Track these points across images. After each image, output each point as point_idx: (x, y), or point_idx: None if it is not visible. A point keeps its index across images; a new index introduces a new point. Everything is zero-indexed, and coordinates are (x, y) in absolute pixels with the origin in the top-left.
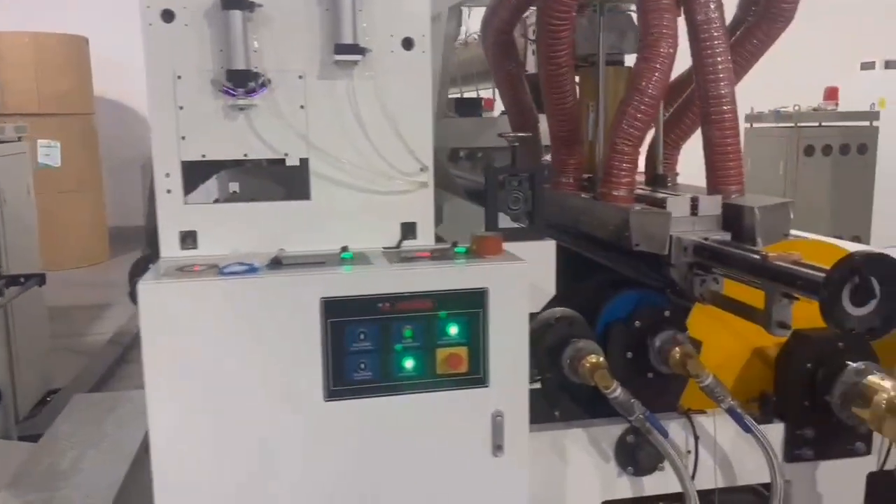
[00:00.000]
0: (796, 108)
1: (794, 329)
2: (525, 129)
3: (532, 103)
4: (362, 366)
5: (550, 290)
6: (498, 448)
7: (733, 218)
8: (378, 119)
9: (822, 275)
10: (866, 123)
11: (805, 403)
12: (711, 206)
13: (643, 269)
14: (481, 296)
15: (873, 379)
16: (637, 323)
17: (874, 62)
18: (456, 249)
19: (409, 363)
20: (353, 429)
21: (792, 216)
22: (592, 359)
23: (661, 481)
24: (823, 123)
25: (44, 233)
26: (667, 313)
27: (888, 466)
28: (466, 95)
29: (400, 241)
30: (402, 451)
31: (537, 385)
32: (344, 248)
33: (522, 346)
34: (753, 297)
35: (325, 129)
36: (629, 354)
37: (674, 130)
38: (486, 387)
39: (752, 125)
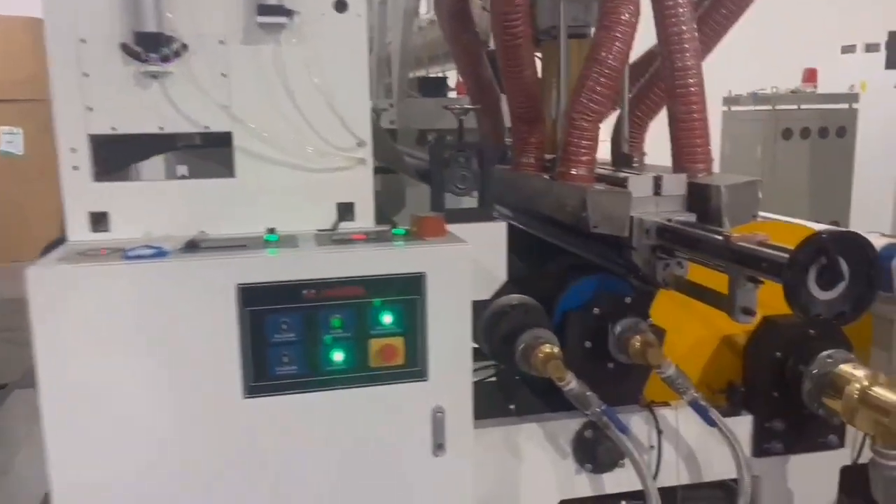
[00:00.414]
0: (774, 90)
1: (763, 316)
2: (487, 107)
3: (493, 79)
4: (285, 359)
5: (501, 275)
6: (439, 447)
7: (699, 198)
8: (309, 89)
9: (787, 256)
10: (845, 106)
11: (774, 394)
12: (675, 185)
13: (605, 254)
14: (418, 281)
15: (845, 368)
16: (596, 310)
17: (855, 45)
18: (394, 231)
19: (338, 355)
20: (276, 429)
21: (760, 196)
22: (546, 348)
23: (622, 479)
24: (802, 106)
25: (6, 223)
26: (628, 300)
27: (863, 460)
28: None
29: (336, 223)
30: (333, 453)
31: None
32: (270, 230)
33: (464, 336)
34: (720, 282)
35: (251, 99)
36: (588, 344)
37: (640, 108)
38: (425, 380)
39: (729, 108)
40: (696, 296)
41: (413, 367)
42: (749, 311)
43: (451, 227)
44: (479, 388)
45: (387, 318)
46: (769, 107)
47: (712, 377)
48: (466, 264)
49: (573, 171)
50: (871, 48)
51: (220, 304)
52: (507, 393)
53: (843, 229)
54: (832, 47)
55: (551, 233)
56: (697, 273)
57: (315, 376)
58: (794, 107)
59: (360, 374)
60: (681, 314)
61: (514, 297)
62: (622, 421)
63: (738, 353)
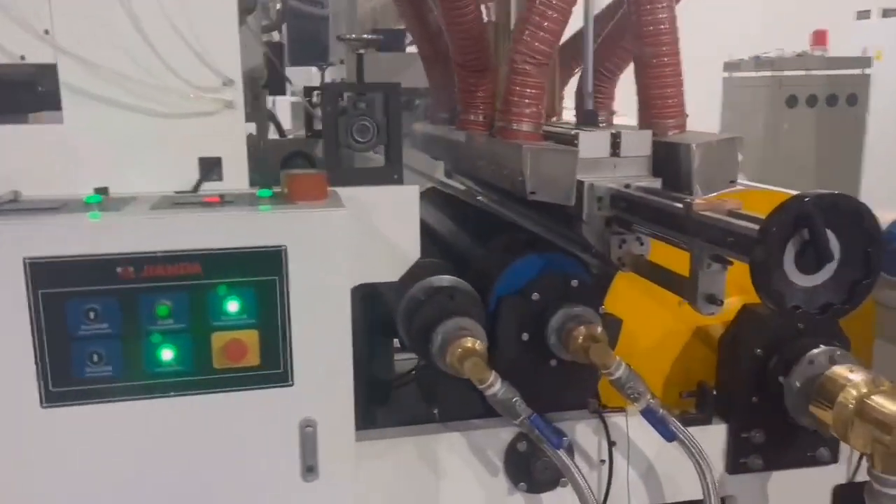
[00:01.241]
0: (779, 52)
1: (743, 304)
2: (435, 58)
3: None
4: (96, 358)
5: (412, 251)
6: (309, 470)
7: (666, 160)
8: (158, 13)
9: (756, 227)
10: (857, 71)
11: (753, 399)
12: (637, 144)
13: (554, 228)
14: (276, 257)
15: (839, 371)
16: (535, 295)
17: (870, 11)
18: (259, 193)
19: (167, 353)
20: (86, 446)
21: (740, 157)
22: (467, 342)
23: (566, 500)
24: (809, 71)
25: None
26: (574, 283)
27: (861, 477)
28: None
29: (198, 183)
30: (166, 479)
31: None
32: (99, 190)
33: (341, 329)
34: (686, 262)
35: (81, 24)
36: (524, 336)
37: (609, 59)
38: (289, 386)
39: (730, 74)
40: (656, 279)
41: (272, 369)
42: (714, 300)
43: (347, 192)
44: (401, 391)
45: (233, 306)
46: (773, 72)
47: (682, 377)
48: (342, 235)
49: (514, 127)
50: (888, 13)
51: (7, 285)
52: (427, 394)
53: (833, 192)
54: (846, 12)
55: (503, 204)
56: (663, 252)
57: (137, 380)
58: (801, 72)
59: (200, 377)
60: (644, 302)
61: (445, 280)
62: (561, 432)
63: (714, 348)
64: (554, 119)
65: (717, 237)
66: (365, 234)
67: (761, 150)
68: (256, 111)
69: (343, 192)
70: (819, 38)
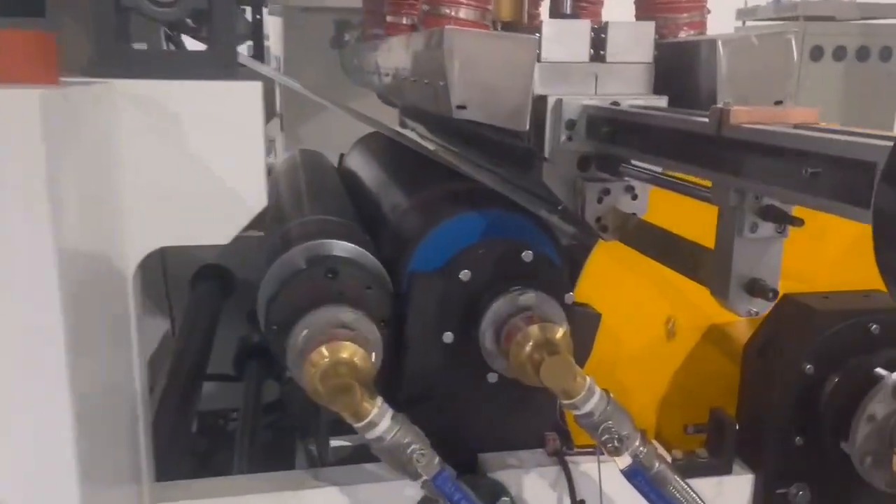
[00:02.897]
0: None
1: (783, 294)
2: None
3: None
4: None
5: (255, 194)
6: None
7: (675, 69)
8: None
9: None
10: (894, 21)
11: (797, 440)
12: (632, 43)
13: (509, 177)
14: None
15: None
16: (465, 274)
17: None
18: None
19: None
20: None
21: (795, 57)
22: (339, 350)
23: None
24: (838, 19)
25: None
26: (527, 256)
27: None
28: None
29: None
30: None
31: None
32: None
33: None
34: (704, 226)
35: None
36: (447, 337)
37: None
38: None
39: (744, 23)
40: (655, 252)
41: None
42: (759, 289)
43: (135, 87)
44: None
45: None
46: (795, 19)
47: (687, 402)
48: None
49: (445, 11)
50: None
51: None
52: (295, 423)
53: None
54: None
55: (449, 147)
56: (667, 212)
57: None
58: (828, 20)
59: None
60: (634, 287)
61: (326, 247)
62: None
63: (735, 359)
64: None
65: (778, 170)
66: (164, 164)
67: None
68: None
69: (125, 87)
70: None
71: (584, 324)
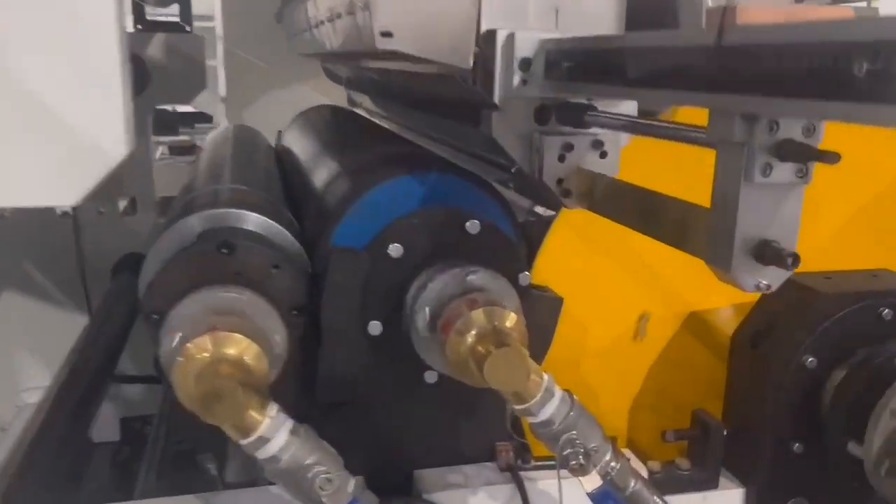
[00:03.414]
0: None
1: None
2: None
3: None
4: None
5: (115, 140)
6: None
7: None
8: None
9: None
10: None
11: (795, 447)
12: None
13: (448, 127)
14: None
15: None
16: (396, 249)
17: None
18: None
19: None
20: None
21: None
22: (224, 345)
23: None
24: None
25: None
26: (472, 227)
27: None
28: None
29: None
30: None
31: None
32: None
33: None
34: (698, 185)
35: None
36: (374, 328)
37: None
38: None
39: None
40: (632, 218)
41: None
42: (774, 256)
43: None
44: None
45: None
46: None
47: (664, 403)
48: None
49: None
50: None
51: None
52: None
53: None
54: None
55: (391, 113)
56: (645, 171)
57: None
58: None
59: None
60: (601, 268)
61: (237, 218)
62: None
63: (719, 352)
64: None
65: (815, 73)
66: None
67: None
68: None
69: None
70: None
71: (543, 310)
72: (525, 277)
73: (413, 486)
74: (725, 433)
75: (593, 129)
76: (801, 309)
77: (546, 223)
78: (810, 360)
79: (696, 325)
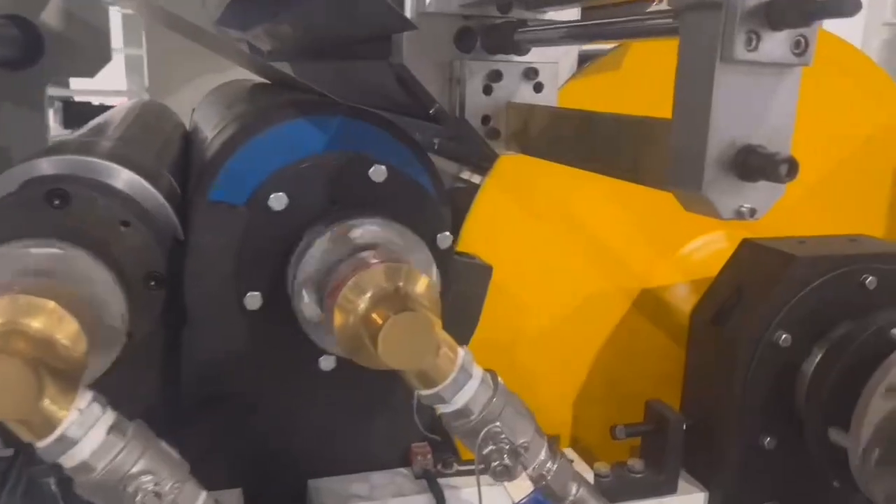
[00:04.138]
0: None
1: (743, 240)
2: None
3: None
4: None
5: None
6: None
7: None
8: None
9: None
10: None
11: (766, 442)
12: None
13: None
14: None
15: None
16: (276, 200)
17: None
18: None
19: None
20: None
21: None
22: (33, 316)
23: None
24: None
25: None
26: (377, 174)
27: None
28: None
29: None
30: None
31: None
32: None
33: None
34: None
35: None
36: (252, 301)
37: None
38: None
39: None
40: (578, 153)
41: None
42: (763, 164)
43: None
44: None
45: None
46: None
47: (611, 395)
48: None
49: None
50: None
51: None
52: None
53: None
54: None
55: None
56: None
57: None
58: None
59: None
60: (539, 236)
61: (76, 164)
62: None
63: (676, 334)
64: None
65: None
66: None
67: None
68: None
69: None
70: None
71: (468, 280)
72: (445, 238)
73: (307, 498)
74: (685, 427)
75: (528, 58)
76: (771, 277)
77: (475, 190)
78: (784, 336)
79: (649, 302)
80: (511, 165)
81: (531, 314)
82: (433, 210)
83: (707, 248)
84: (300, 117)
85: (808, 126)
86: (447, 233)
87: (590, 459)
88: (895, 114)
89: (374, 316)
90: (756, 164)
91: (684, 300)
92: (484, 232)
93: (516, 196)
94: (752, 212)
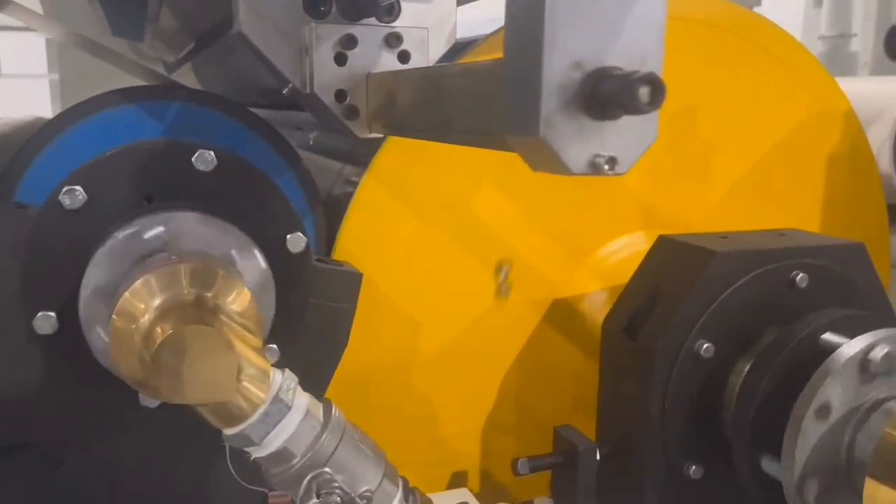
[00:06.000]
0: None
1: (660, 237)
2: None
3: None
4: None
5: None
6: None
7: None
8: None
9: None
10: None
11: (691, 471)
12: None
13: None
14: None
15: None
16: (73, 197)
17: None
18: None
19: None
20: None
21: None
22: None
23: None
24: None
25: None
26: (203, 159)
27: None
28: None
29: None
30: None
31: None
32: None
33: None
34: None
35: None
36: (45, 325)
37: None
38: None
39: None
40: (439, 125)
41: None
42: (619, 91)
43: None
44: None
45: None
46: None
47: (514, 422)
48: None
49: None
50: None
51: None
52: None
53: None
54: None
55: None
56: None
57: None
58: None
59: None
60: (430, 236)
61: None
62: None
63: (589, 348)
64: None
65: None
66: None
67: None
68: None
69: None
70: None
71: (333, 289)
72: (297, 240)
73: None
74: (599, 457)
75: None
76: (690, 277)
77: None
78: (705, 346)
79: (562, 315)
80: (393, 159)
81: (424, 332)
82: (281, 207)
83: (627, 250)
84: (121, 105)
85: (737, 113)
86: (299, 233)
87: (501, 497)
88: (828, 101)
89: (158, 329)
90: (608, 91)
91: (602, 311)
92: (364, 238)
93: (400, 195)
94: (612, 162)
